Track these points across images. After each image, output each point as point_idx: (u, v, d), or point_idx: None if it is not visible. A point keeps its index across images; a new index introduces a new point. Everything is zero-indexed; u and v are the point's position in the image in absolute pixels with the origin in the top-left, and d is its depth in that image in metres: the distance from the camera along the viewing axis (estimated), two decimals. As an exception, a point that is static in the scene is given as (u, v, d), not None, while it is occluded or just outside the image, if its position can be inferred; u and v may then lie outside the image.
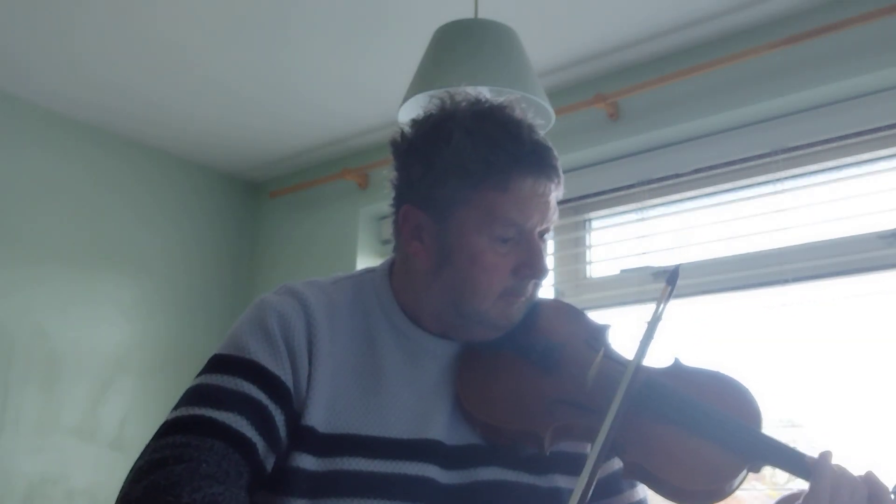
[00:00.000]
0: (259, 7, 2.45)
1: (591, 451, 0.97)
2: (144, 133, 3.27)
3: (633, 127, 2.62)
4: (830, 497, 0.99)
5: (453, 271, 1.10)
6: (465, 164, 1.08)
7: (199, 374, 1.07)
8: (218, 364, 1.06)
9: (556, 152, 1.13)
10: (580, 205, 2.81)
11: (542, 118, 1.92)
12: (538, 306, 1.18)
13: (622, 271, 2.69)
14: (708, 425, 1.05)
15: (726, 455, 1.02)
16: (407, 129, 1.16)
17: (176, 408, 1.04)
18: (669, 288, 1.08)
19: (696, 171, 2.58)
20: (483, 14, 2.00)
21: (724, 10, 2.36)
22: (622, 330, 1.22)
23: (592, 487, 0.93)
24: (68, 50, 2.70)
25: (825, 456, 1.03)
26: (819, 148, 2.38)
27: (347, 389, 1.08)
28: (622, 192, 2.73)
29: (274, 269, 3.50)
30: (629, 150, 2.69)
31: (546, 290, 2.94)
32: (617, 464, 1.17)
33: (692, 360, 1.16)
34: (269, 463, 1.02)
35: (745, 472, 1.02)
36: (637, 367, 1.03)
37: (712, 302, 2.52)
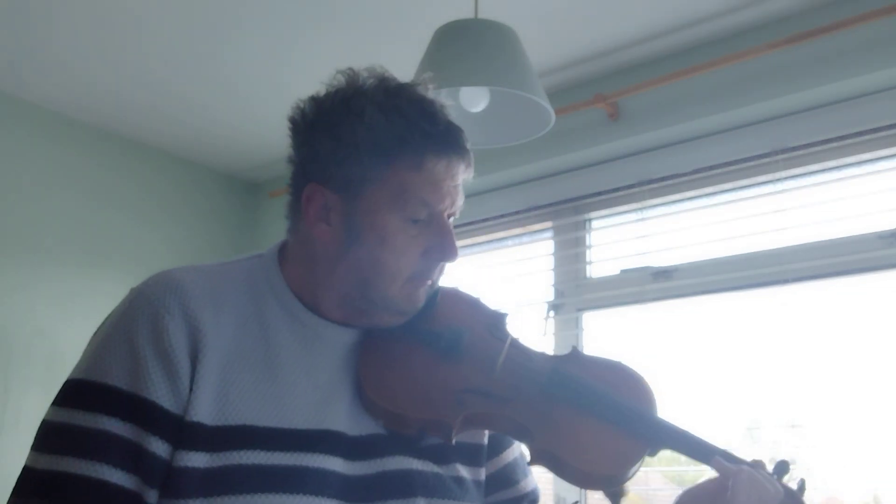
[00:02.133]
0: (259, 7, 2.44)
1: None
2: (144, 133, 3.27)
3: (633, 127, 2.62)
4: (748, 496, 1.01)
5: (361, 252, 1.05)
6: (379, 140, 1.04)
7: (58, 404, 1.01)
8: (75, 395, 1.00)
9: (466, 134, 1.09)
10: (580, 205, 2.81)
11: (541, 118, 1.93)
12: (439, 294, 1.15)
13: (622, 271, 2.69)
14: (608, 410, 1.07)
15: (628, 439, 1.06)
16: (308, 106, 1.10)
17: (37, 448, 0.99)
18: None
19: (696, 171, 2.58)
20: (483, 14, 2.00)
21: (724, 10, 2.36)
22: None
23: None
24: (68, 50, 2.70)
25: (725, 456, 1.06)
26: (819, 148, 2.38)
27: (239, 378, 1.01)
28: (622, 192, 2.72)
29: (274, 269, 3.50)
30: (629, 150, 2.69)
31: (546, 289, 2.95)
32: (509, 456, 1.19)
33: (590, 351, 1.21)
34: (152, 495, 0.96)
35: (645, 455, 1.06)
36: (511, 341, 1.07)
37: (712, 302, 2.52)
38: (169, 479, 0.96)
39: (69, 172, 3.13)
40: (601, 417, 1.07)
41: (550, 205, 2.85)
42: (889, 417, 2.11)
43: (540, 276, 2.88)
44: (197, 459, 0.96)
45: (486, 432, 1.16)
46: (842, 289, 2.30)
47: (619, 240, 2.75)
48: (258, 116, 3.11)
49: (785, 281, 2.34)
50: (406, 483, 1.05)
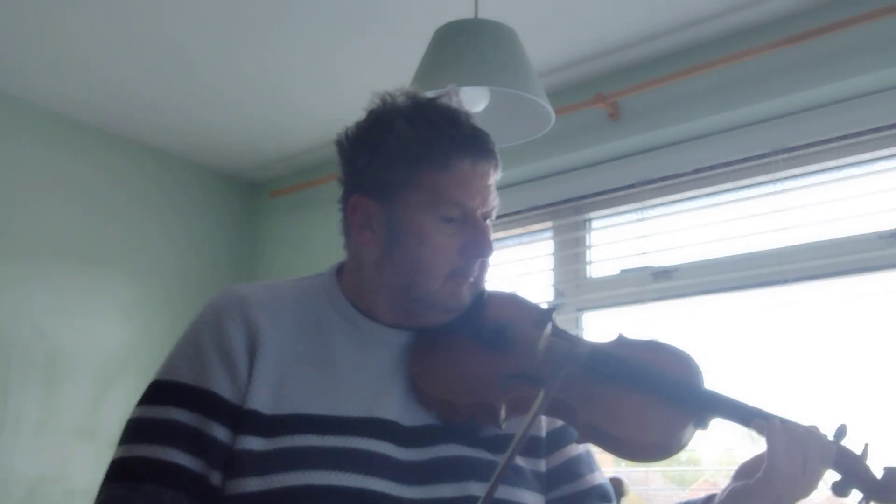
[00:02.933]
0: (259, 7, 2.45)
1: (530, 409, 1.01)
2: (144, 133, 3.27)
3: (633, 127, 2.62)
4: (786, 450, 1.04)
5: (403, 253, 1.13)
6: (408, 146, 1.13)
7: (138, 403, 1.12)
8: (152, 393, 1.11)
9: (492, 138, 1.17)
10: (580, 205, 2.81)
11: (541, 118, 1.93)
12: (486, 295, 1.22)
13: (622, 271, 2.69)
14: (650, 382, 1.12)
15: (670, 407, 1.09)
16: (350, 128, 1.21)
17: (119, 443, 1.10)
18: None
19: (696, 171, 2.58)
20: (483, 14, 2.00)
21: (724, 10, 2.36)
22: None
23: (519, 450, 0.99)
24: (68, 50, 2.70)
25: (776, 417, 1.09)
26: (819, 148, 2.38)
27: (295, 374, 1.10)
28: (622, 192, 2.72)
29: (274, 269, 3.50)
30: (629, 150, 2.69)
31: (546, 290, 2.95)
32: (573, 451, 1.22)
33: (635, 335, 1.24)
34: (216, 476, 1.05)
35: (691, 424, 1.08)
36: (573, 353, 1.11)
37: (712, 302, 2.52)
38: (230, 461, 1.05)
39: (69, 172, 3.13)
40: (643, 390, 1.11)
41: (550, 205, 2.85)
42: (889, 417, 2.11)
43: (540, 276, 2.88)
44: (254, 443, 1.05)
45: (545, 426, 1.21)
46: (842, 289, 2.30)
47: (619, 240, 2.75)
48: (258, 117, 3.11)
49: (785, 281, 2.34)
50: (459, 468, 1.09)
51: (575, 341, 1.21)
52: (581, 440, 1.10)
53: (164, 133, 3.27)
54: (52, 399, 2.96)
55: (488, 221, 1.17)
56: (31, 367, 2.93)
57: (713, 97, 2.46)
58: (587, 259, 2.82)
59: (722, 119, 2.48)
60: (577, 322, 2.73)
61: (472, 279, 1.16)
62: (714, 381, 1.16)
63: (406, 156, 1.13)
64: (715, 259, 2.50)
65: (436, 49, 1.90)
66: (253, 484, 1.03)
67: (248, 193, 3.69)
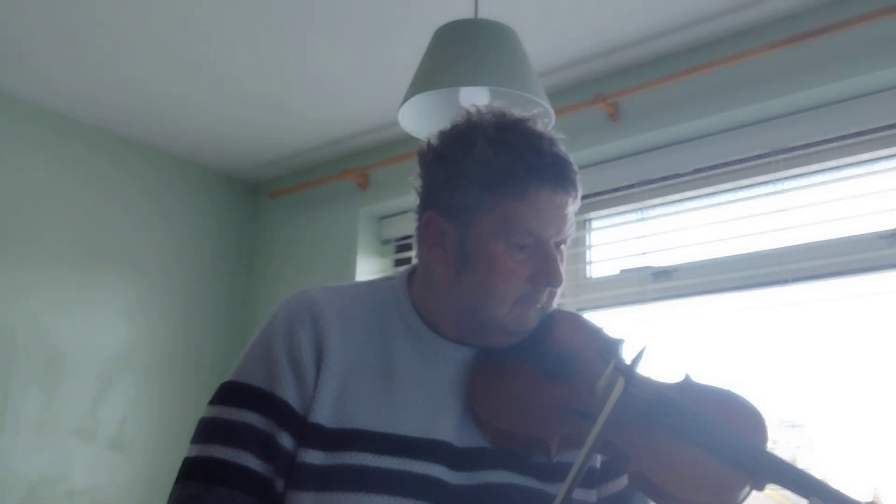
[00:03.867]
0: (259, 7, 2.45)
1: (580, 453, 0.97)
2: (145, 133, 3.27)
3: (633, 127, 2.62)
4: None
5: (471, 276, 1.13)
6: (486, 171, 1.12)
7: (211, 402, 1.13)
8: (226, 393, 1.13)
9: (575, 167, 1.15)
10: (580, 205, 2.80)
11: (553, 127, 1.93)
12: (554, 317, 1.20)
13: (622, 271, 2.69)
14: (712, 439, 1.06)
15: (729, 469, 1.03)
16: (434, 140, 1.19)
17: (193, 441, 1.12)
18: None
19: (696, 171, 2.58)
20: (483, 14, 2.00)
21: (724, 10, 2.36)
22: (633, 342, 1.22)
23: (576, 486, 0.94)
24: (68, 51, 2.70)
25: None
26: (819, 148, 2.38)
27: (358, 387, 1.10)
28: (622, 192, 2.72)
29: (273, 270, 3.50)
30: (629, 150, 2.69)
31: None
32: (622, 482, 1.17)
33: (702, 378, 1.18)
34: (280, 484, 1.07)
35: (748, 488, 1.02)
36: (627, 377, 1.03)
37: (712, 302, 2.52)
38: (291, 471, 1.07)
39: (69, 172, 3.13)
40: (702, 445, 1.05)
41: (550, 205, 2.84)
42: (889, 417, 2.11)
43: (540, 276, 2.88)
44: (314, 457, 1.06)
45: (599, 455, 1.17)
46: (842, 289, 2.30)
47: (619, 240, 2.75)
48: (258, 117, 3.11)
49: (785, 281, 2.34)
50: (506, 496, 1.09)
51: (639, 381, 1.14)
52: (630, 488, 1.06)
53: (164, 133, 3.27)
54: (52, 399, 2.96)
55: (562, 247, 1.16)
56: (31, 366, 2.93)
57: (713, 97, 2.46)
58: (587, 259, 2.82)
59: (722, 119, 2.48)
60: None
61: (539, 306, 1.15)
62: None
63: (483, 181, 1.11)
64: (715, 259, 2.49)
65: (436, 49, 1.90)
66: (307, 499, 1.05)
67: (248, 193, 3.69)
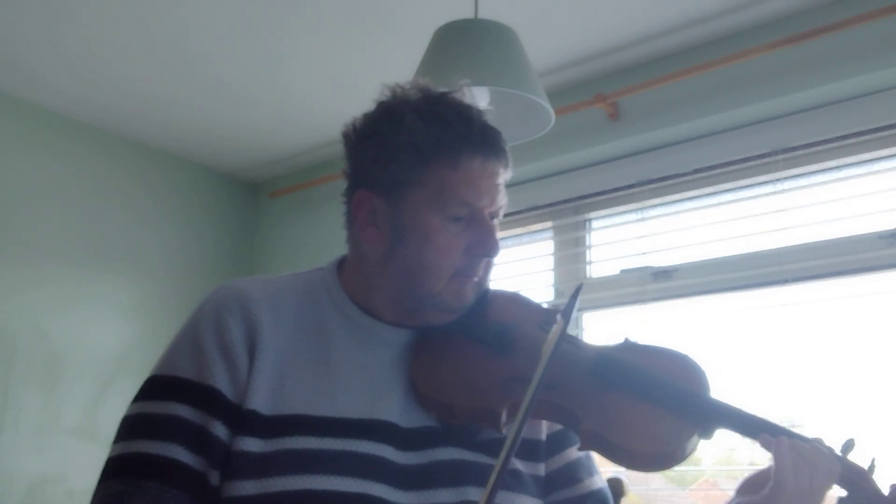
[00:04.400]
0: (259, 7, 2.45)
1: (518, 413, 0.97)
2: (145, 133, 3.27)
3: (633, 127, 2.62)
4: (793, 467, 1.03)
5: (407, 252, 1.11)
6: (418, 143, 1.10)
7: (136, 399, 1.09)
8: (151, 388, 1.09)
9: (504, 136, 1.15)
10: (580, 205, 2.81)
11: (541, 118, 1.93)
12: (490, 294, 1.19)
13: (622, 271, 2.69)
14: (656, 391, 1.09)
15: (676, 418, 1.07)
16: (359, 121, 1.19)
17: (116, 440, 1.08)
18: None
19: (696, 171, 2.58)
20: (483, 14, 2.00)
21: (724, 10, 2.36)
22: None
23: (514, 451, 0.94)
24: (68, 51, 2.70)
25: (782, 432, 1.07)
26: (819, 148, 2.38)
27: (294, 374, 1.07)
28: (622, 192, 2.72)
29: (273, 269, 3.50)
30: (629, 150, 2.69)
31: (546, 290, 2.95)
32: (572, 454, 1.19)
33: (641, 339, 1.21)
34: (214, 476, 1.03)
35: (695, 434, 1.06)
36: (566, 318, 1.05)
37: (712, 302, 2.52)
38: (227, 461, 1.03)
39: (69, 172, 3.13)
40: (647, 398, 1.08)
41: (550, 205, 2.85)
42: (889, 417, 2.11)
43: (540, 276, 2.88)
44: (252, 444, 1.03)
45: (545, 429, 1.19)
46: (842, 289, 2.30)
47: (619, 240, 2.75)
48: (258, 117, 3.11)
49: (785, 281, 2.34)
50: (457, 472, 1.07)
51: (580, 345, 1.17)
52: (582, 447, 1.07)
53: (164, 133, 3.27)
54: (52, 399, 2.96)
55: (495, 221, 1.14)
56: (31, 367, 2.93)
57: (713, 97, 2.46)
58: (587, 259, 2.82)
59: (722, 119, 2.48)
60: (578, 322, 2.73)
61: (476, 279, 1.13)
62: (717, 383, 1.14)
63: (415, 153, 1.10)
64: (715, 259, 2.50)
65: (436, 49, 1.90)
66: (249, 487, 1.01)
67: (248, 193, 3.69)
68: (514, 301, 1.23)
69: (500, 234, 1.15)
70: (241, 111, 3.07)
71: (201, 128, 3.22)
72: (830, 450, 1.08)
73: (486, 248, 1.11)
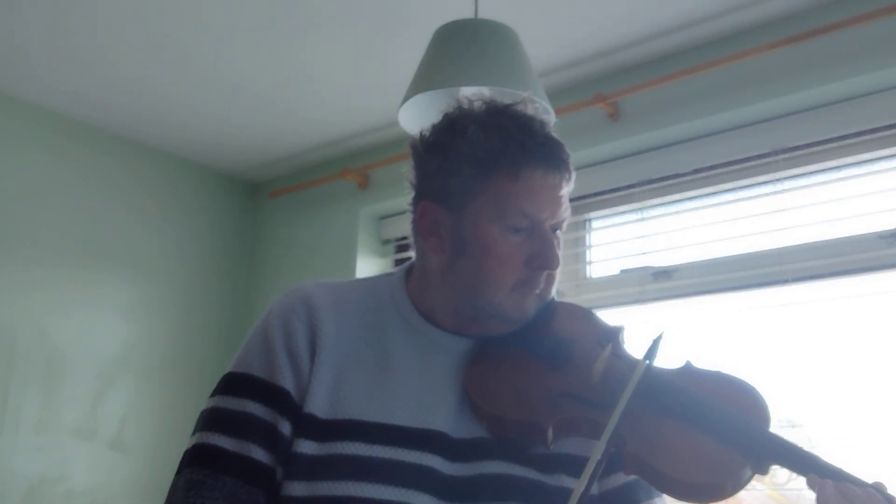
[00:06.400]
0: (260, 7, 2.45)
1: (600, 441, 0.96)
2: (144, 133, 3.27)
3: (633, 127, 2.62)
4: None
5: (468, 262, 1.12)
6: (478, 154, 1.12)
7: (214, 393, 1.14)
8: (227, 384, 1.13)
9: (567, 149, 1.16)
10: (580, 205, 2.81)
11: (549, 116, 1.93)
12: (553, 306, 1.19)
13: (622, 271, 2.69)
14: (710, 420, 1.04)
15: (728, 450, 1.01)
16: (426, 132, 1.20)
17: (195, 431, 1.12)
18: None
19: (696, 171, 2.58)
20: (483, 14, 2.00)
21: (724, 10, 2.36)
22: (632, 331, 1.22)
23: (597, 478, 0.93)
24: (68, 50, 2.70)
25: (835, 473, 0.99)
26: (819, 148, 2.38)
27: (353, 378, 1.10)
28: (622, 192, 2.72)
29: (274, 270, 3.50)
30: (629, 150, 2.69)
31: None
32: (624, 477, 1.15)
33: (703, 364, 1.16)
34: (280, 473, 1.07)
35: (748, 469, 1.01)
36: (647, 364, 1.03)
37: (712, 302, 2.52)
38: (287, 461, 1.07)
39: (69, 173, 3.13)
40: (699, 426, 1.04)
41: (550, 205, 2.84)
42: (890, 417, 2.11)
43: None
44: (307, 447, 1.06)
45: None
46: (842, 289, 2.30)
47: (619, 240, 2.75)
48: (258, 117, 3.11)
49: (785, 281, 2.34)
50: (502, 487, 1.07)
51: (632, 364, 1.12)
52: (627, 472, 1.04)
53: (164, 133, 3.27)
54: (52, 399, 2.96)
55: (558, 233, 1.15)
56: (31, 367, 2.93)
57: (713, 97, 2.46)
58: (587, 259, 2.82)
59: (722, 119, 2.48)
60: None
61: (537, 291, 1.14)
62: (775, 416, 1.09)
63: (476, 163, 1.11)
64: (715, 259, 2.49)
65: (436, 49, 1.90)
66: (299, 489, 1.04)
67: (248, 193, 3.69)
68: (578, 315, 1.22)
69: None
70: (241, 111, 3.07)
71: (201, 128, 3.22)
72: (890, 497, 0.99)
73: (545, 259, 1.12)
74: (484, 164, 1.11)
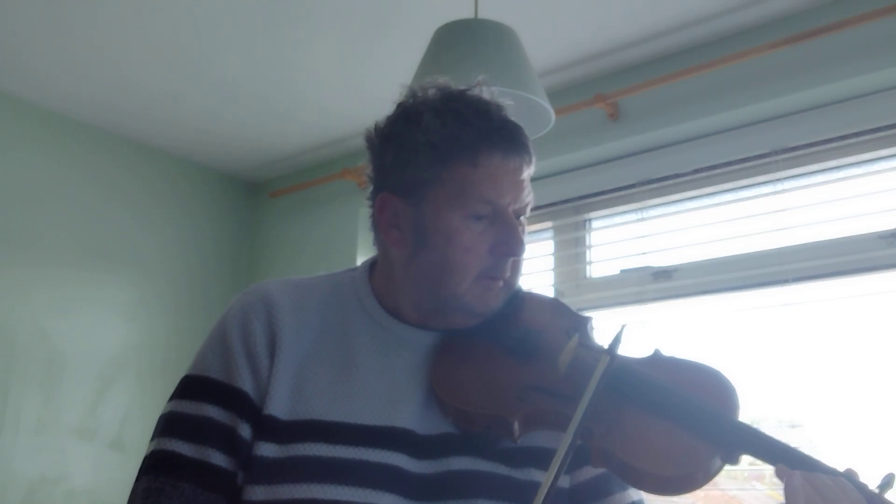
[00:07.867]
0: (260, 7, 2.45)
1: (566, 434, 0.94)
2: (144, 133, 3.27)
3: (633, 127, 2.62)
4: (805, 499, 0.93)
5: (430, 253, 1.09)
6: (435, 142, 1.08)
7: (172, 397, 1.11)
8: (184, 387, 1.11)
9: (525, 131, 1.12)
10: (580, 205, 2.81)
11: (541, 118, 1.93)
12: (521, 297, 1.16)
13: (622, 271, 2.69)
14: (677, 410, 1.01)
15: (697, 440, 0.98)
16: (380, 123, 1.17)
17: (154, 436, 1.10)
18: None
19: (696, 171, 2.58)
20: (483, 14, 2.00)
21: (724, 10, 2.36)
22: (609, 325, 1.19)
23: (563, 471, 0.90)
24: (67, 49, 2.70)
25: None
26: (819, 148, 2.38)
27: (314, 378, 1.07)
28: (622, 192, 2.72)
29: (273, 269, 3.50)
30: (629, 150, 2.69)
31: (546, 290, 2.95)
32: (596, 469, 1.12)
33: (672, 352, 1.14)
34: (240, 477, 1.04)
35: (717, 458, 0.98)
36: (612, 354, 1.00)
37: (712, 302, 2.52)
38: (247, 465, 1.04)
39: (69, 172, 3.13)
40: (667, 417, 1.01)
41: (550, 205, 2.85)
42: (890, 417, 2.11)
43: (540, 276, 2.88)
44: (267, 450, 1.03)
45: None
46: (842, 289, 2.30)
47: (619, 240, 2.75)
48: (258, 117, 3.11)
49: (785, 281, 2.34)
50: (469, 483, 1.05)
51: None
52: (594, 464, 1.00)
53: (164, 133, 3.27)
54: (52, 399, 2.96)
55: (522, 218, 1.12)
56: (31, 367, 2.93)
57: (713, 97, 2.46)
58: (587, 259, 2.82)
59: (722, 119, 2.48)
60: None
61: (502, 282, 1.10)
62: (747, 402, 1.06)
63: (433, 152, 1.07)
64: (715, 259, 2.49)
65: (436, 49, 1.90)
66: (259, 492, 1.01)
67: (248, 193, 3.69)
68: (545, 305, 1.19)
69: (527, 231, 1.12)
70: (241, 111, 3.07)
71: (201, 128, 3.22)
72: (862, 486, 0.96)
73: (509, 246, 1.08)
74: (441, 152, 1.07)
